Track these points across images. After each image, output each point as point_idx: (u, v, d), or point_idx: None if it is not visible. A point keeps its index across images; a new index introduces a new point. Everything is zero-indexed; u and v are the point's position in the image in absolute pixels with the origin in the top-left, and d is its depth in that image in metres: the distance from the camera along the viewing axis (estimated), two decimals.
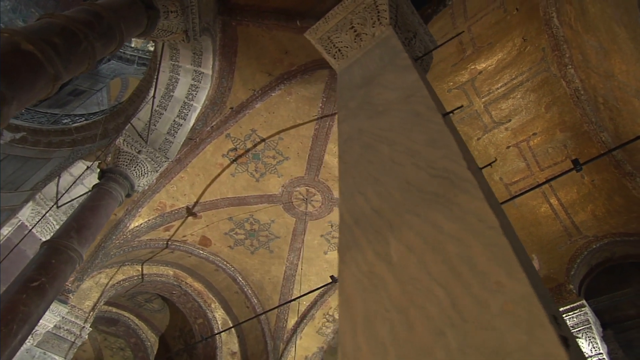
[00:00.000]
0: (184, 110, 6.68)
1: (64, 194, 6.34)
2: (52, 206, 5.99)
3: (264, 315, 8.99)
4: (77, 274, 6.75)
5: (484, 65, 6.39)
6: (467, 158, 1.54)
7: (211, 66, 6.30)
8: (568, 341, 0.89)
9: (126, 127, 6.30)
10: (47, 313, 5.40)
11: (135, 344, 10.85)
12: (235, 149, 7.71)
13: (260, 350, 9.46)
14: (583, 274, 6.89)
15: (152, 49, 11.57)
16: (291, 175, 8.25)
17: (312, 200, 8.68)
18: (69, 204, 6.41)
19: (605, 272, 6.83)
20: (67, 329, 7.04)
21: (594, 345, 5.90)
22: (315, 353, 9.98)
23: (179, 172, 7.57)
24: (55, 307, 6.42)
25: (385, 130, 1.91)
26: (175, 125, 6.70)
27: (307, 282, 9.44)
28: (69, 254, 4.73)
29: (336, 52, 3.35)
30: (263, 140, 7.64)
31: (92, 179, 6.52)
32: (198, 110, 6.78)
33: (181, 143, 6.84)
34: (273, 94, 6.87)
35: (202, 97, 6.68)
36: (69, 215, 6.29)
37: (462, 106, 3.07)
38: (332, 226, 9.14)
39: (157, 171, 6.56)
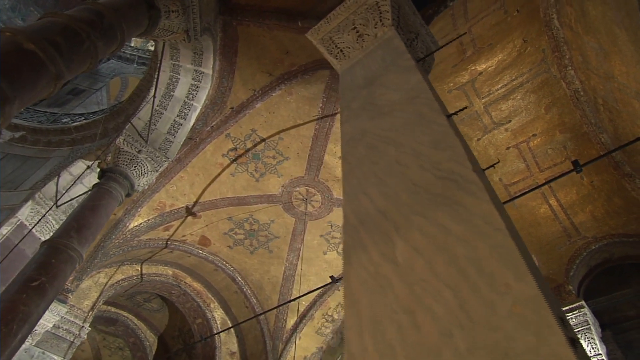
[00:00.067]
0: (184, 110, 6.67)
1: (64, 193, 6.32)
2: (52, 206, 5.98)
3: (263, 315, 8.99)
4: (76, 273, 6.74)
5: (484, 66, 6.40)
6: (472, 160, 1.55)
7: (212, 66, 6.30)
8: (576, 342, 0.90)
9: (126, 127, 6.29)
10: (46, 313, 5.39)
11: (134, 344, 10.83)
12: (235, 149, 7.71)
13: (260, 350, 9.46)
14: (582, 274, 6.91)
15: (152, 48, 11.55)
16: (291, 175, 8.25)
17: (311, 201, 8.68)
18: (68, 203, 6.40)
19: (605, 273, 6.86)
20: (66, 329, 7.02)
21: (593, 346, 5.92)
22: (315, 353, 9.98)
23: (179, 172, 7.57)
24: (54, 306, 6.41)
25: (389, 131, 1.91)
26: (176, 125, 6.69)
27: (306, 282, 9.45)
28: (69, 253, 4.72)
29: (338, 53, 3.36)
30: (263, 140, 7.64)
31: (92, 179, 6.51)
32: (198, 110, 6.78)
33: (181, 143, 6.83)
34: (273, 94, 6.87)
35: (203, 96, 6.67)
36: (68, 214, 6.28)
37: (465, 107, 3.08)
38: (331, 226, 9.14)
39: (157, 171, 6.55)
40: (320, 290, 8.57)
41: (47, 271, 4.46)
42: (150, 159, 6.33)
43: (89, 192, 5.66)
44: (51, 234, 6.07)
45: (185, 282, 9.70)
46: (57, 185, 6.64)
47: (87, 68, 3.50)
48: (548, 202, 6.99)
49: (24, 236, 5.56)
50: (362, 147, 1.94)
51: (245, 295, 9.62)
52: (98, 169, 5.98)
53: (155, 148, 6.48)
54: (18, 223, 6.35)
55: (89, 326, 7.61)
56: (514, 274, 1.05)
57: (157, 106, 6.50)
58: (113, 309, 10.35)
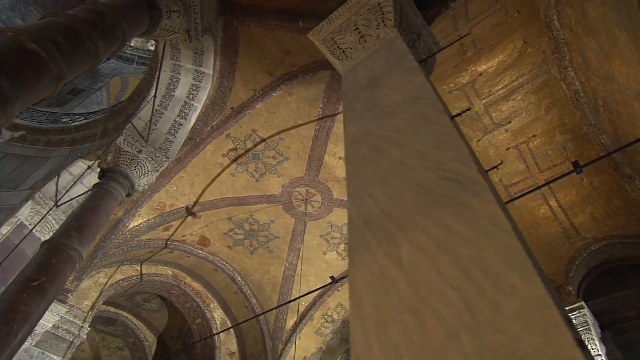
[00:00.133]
0: (185, 110, 6.67)
1: (65, 193, 6.31)
2: (53, 206, 5.97)
3: (262, 315, 8.98)
4: (76, 273, 6.73)
5: (484, 67, 6.41)
6: (476, 161, 1.55)
7: (212, 66, 6.30)
8: (583, 344, 0.90)
9: (127, 127, 6.29)
10: (45, 312, 5.38)
11: (134, 344, 10.82)
12: (235, 149, 7.70)
13: (259, 351, 9.45)
14: (582, 275, 6.93)
15: (152, 48, 11.54)
16: (291, 175, 8.25)
17: (311, 201, 8.68)
18: (68, 203, 6.39)
19: (604, 274, 6.87)
20: (65, 329, 7.01)
21: (593, 347, 5.93)
22: (314, 353, 9.98)
23: (179, 172, 7.56)
24: (54, 306, 6.40)
25: (392, 132, 1.91)
26: (176, 125, 6.69)
27: (306, 283, 9.44)
28: (69, 253, 4.71)
29: (340, 54, 3.36)
30: (263, 140, 7.64)
31: (92, 178, 6.50)
32: (199, 110, 6.77)
33: (182, 143, 6.83)
34: (274, 94, 6.87)
35: (203, 96, 6.67)
36: (68, 214, 6.27)
37: (469, 109, 3.08)
38: (331, 227, 9.14)
39: (157, 171, 6.54)
40: (320, 290, 8.57)
41: (47, 271, 4.45)
42: (150, 159, 6.33)
43: (89, 192, 5.65)
44: (51, 234, 6.06)
45: (184, 282, 9.69)
46: (57, 185, 6.63)
47: (89, 68, 3.50)
48: (548, 202, 7.00)
49: (25, 236, 5.55)
50: (365, 148, 1.94)
51: (245, 296, 9.62)
52: (98, 169, 5.97)
53: (155, 148, 6.48)
54: (18, 223, 6.34)
55: (89, 326, 7.60)
56: (520, 275, 1.05)
57: (158, 106, 6.49)
58: (112, 309, 10.34)
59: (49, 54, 2.93)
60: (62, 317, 6.80)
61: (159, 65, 6.05)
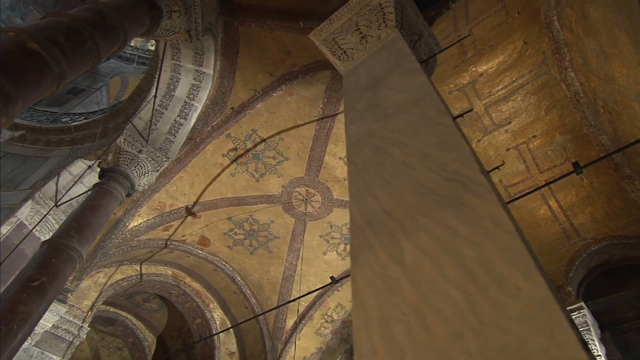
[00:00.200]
0: (185, 110, 6.67)
1: (65, 193, 6.31)
2: (53, 206, 5.97)
3: (262, 315, 8.98)
4: (76, 273, 6.73)
5: (484, 68, 6.42)
6: (478, 161, 1.55)
7: (212, 66, 6.30)
8: (587, 345, 0.90)
9: (127, 127, 6.28)
10: (45, 312, 5.37)
11: (133, 344, 10.81)
12: (235, 149, 7.70)
13: (259, 351, 9.45)
14: (582, 276, 6.93)
15: (152, 48, 11.54)
16: (291, 175, 8.25)
17: (311, 201, 8.68)
18: (68, 203, 6.38)
19: (604, 275, 6.88)
20: (65, 329, 7.00)
21: (593, 348, 5.93)
22: (314, 353, 9.98)
23: (179, 172, 7.56)
24: (53, 306, 6.39)
25: (395, 132, 1.92)
26: (176, 125, 6.69)
27: (306, 283, 9.45)
28: (69, 253, 4.71)
29: (341, 54, 3.36)
30: (263, 140, 7.64)
31: (92, 178, 6.50)
32: (199, 110, 6.77)
33: (182, 143, 6.83)
34: (274, 95, 6.87)
35: (203, 96, 6.67)
36: (68, 214, 6.27)
37: (470, 109, 3.08)
38: (331, 227, 9.14)
39: (157, 171, 6.54)
40: (319, 290, 8.57)
41: (48, 271, 4.45)
42: (150, 159, 6.32)
43: (89, 192, 5.65)
44: (51, 233, 6.06)
45: (184, 282, 9.68)
46: (57, 184, 6.62)
47: (90, 68, 3.50)
48: (548, 203, 7.01)
49: (25, 236, 5.55)
50: (367, 149, 1.94)
51: (244, 296, 9.61)
52: (98, 169, 5.97)
53: (155, 148, 6.47)
54: (18, 223, 6.34)
55: (88, 326, 7.60)
56: (524, 276, 1.05)
57: (158, 106, 6.49)
58: (112, 309, 10.33)
59: (51, 53, 2.93)
60: (61, 317, 6.80)
61: (159, 65, 6.05)
